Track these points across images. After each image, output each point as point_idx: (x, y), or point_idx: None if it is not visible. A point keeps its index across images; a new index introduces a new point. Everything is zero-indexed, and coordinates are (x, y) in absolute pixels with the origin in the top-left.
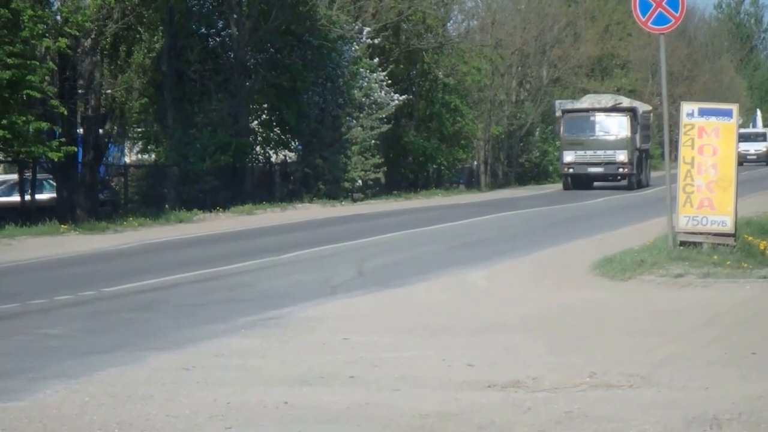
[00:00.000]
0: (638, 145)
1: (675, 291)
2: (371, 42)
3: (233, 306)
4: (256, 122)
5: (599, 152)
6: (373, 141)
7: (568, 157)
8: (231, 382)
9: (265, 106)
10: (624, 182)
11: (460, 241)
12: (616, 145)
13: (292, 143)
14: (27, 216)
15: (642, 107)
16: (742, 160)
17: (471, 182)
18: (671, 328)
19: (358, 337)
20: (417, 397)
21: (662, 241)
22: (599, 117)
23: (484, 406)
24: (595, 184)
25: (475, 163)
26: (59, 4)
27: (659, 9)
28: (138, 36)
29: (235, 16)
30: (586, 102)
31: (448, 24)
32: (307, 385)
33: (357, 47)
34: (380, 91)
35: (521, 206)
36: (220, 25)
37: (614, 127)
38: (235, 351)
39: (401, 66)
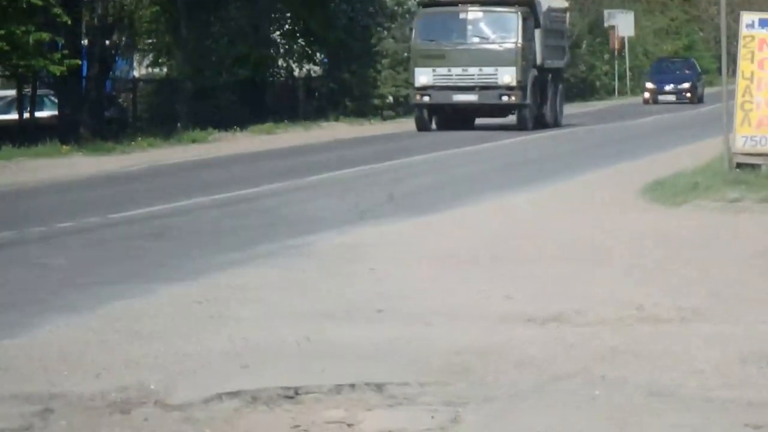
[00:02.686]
0: (539, 62)
1: (731, 217)
2: None
3: (251, 234)
4: (278, 33)
5: (471, 70)
6: (405, 54)
7: (423, 77)
8: (248, 317)
9: (288, 15)
10: (513, 118)
11: (501, 163)
12: (499, 58)
13: (317, 56)
14: (26, 135)
15: (552, 2)
16: None
17: None
18: (726, 256)
19: (387, 267)
20: (450, 331)
21: (717, 164)
22: (473, 15)
23: (523, 342)
24: (478, 120)
25: None
26: None
27: None
28: None
29: None
30: None
31: None
32: (331, 319)
33: None
34: None
35: (566, 125)
36: None
37: (497, 30)
38: (253, 283)
39: None
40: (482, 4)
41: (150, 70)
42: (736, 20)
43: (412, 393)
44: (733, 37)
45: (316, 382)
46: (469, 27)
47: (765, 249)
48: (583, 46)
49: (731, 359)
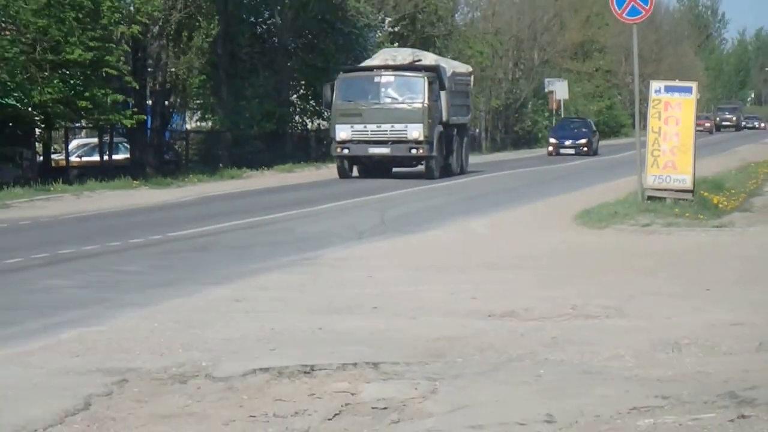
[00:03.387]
0: (445, 118)
1: (643, 237)
2: (392, 29)
3: (275, 248)
4: (295, 96)
5: (384, 126)
6: None
7: (342, 133)
8: (274, 312)
9: (303, 82)
10: (422, 168)
11: (466, 195)
12: (408, 116)
13: (325, 113)
14: (105, 173)
15: (457, 68)
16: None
17: (474, 146)
18: (639, 268)
19: (380, 274)
20: (429, 324)
21: (632, 197)
22: (386, 78)
23: (484, 332)
24: (395, 169)
25: (478, 130)
26: None
27: (632, 3)
28: (197, 23)
29: (278, 6)
30: (377, 58)
31: (456, 14)
32: (338, 314)
33: (380, 34)
34: None
35: (517, 167)
36: (267, 15)
37: (406, 92)
38: (277, 285)
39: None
40: (394, 69)
41: (198, 123)
42: (647, 87)
43: (400, 370)
44: (645, 100)
45: (327, 361)
46: (383, 89)
47: (669, 261)
48: (529, 106)
49: (644, 346)
